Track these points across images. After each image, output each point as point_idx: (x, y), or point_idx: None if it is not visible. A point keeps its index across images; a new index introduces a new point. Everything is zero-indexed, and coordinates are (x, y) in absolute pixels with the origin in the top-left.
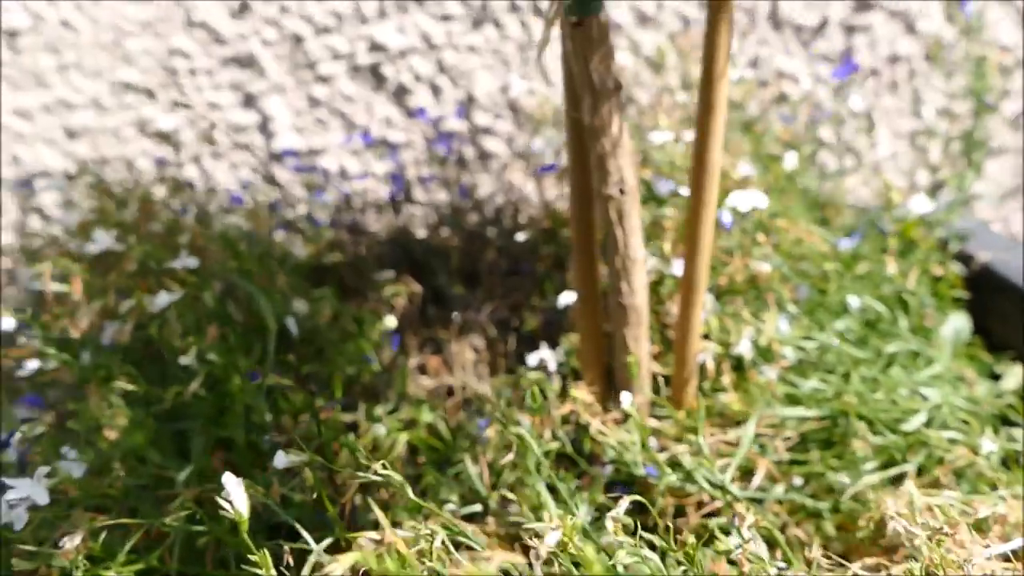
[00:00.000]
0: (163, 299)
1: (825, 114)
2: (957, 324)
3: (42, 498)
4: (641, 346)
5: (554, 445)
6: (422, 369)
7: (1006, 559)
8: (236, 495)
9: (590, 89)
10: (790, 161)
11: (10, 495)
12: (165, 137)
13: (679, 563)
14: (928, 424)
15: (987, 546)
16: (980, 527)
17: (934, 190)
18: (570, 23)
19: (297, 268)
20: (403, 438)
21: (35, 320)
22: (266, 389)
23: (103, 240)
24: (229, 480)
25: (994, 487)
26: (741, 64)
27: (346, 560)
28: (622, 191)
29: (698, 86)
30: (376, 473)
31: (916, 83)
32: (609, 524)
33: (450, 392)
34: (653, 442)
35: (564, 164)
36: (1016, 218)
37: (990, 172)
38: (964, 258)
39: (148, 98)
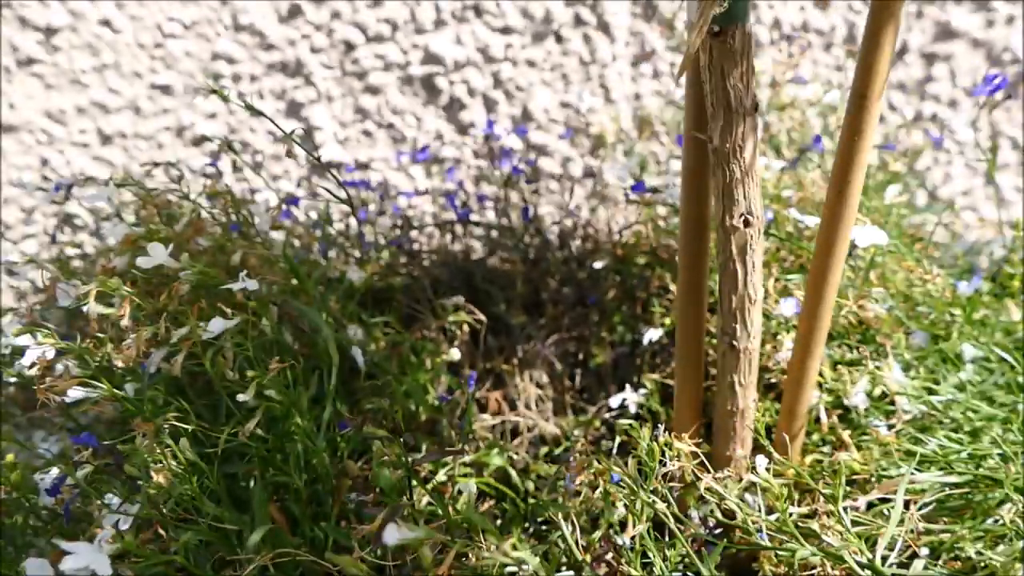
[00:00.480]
0: (217, 325)
1: (937, 141)
2: None
3: (104, 569)
4: (748, 394)
5: (661, 505)
6: (481, 405)
7: None
8: None
9: (725, 108)
10: (890, 194)
11: (68, 564)
12: (210, 142)
13: None
14: None
15: None
16: None
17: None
18: (709, 32)
19: (349, 291)
20: (472, 484)
21: (76, 347)
22: (325, 427)
23: (159, 255)
24: None
25: None
26: (813, 85)
27: None
28: (747, 222)
29: (846, 109)
30: (506, 554)
31: (995, 117)
32: None
33: (514, 432)
34: (751, 499)
35: (648, 187)
36: None
37: None
38: None
39: (186, 103)
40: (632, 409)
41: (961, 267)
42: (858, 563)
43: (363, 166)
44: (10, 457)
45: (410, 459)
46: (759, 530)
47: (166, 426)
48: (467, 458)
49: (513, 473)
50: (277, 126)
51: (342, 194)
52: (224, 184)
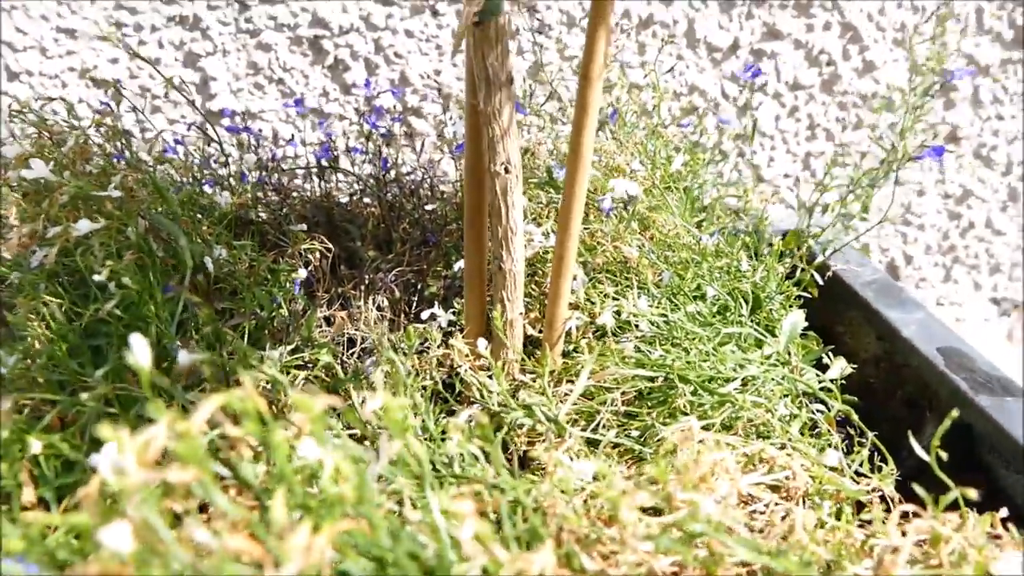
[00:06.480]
0: (85, 225)
1: (725, 123)
2: (794, 319)
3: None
4: (515, 307)
5: (428, 383)
6: (328, 321)
7: (773, 488)
8: (138, 347)
9: (485, 81)
10: (676, 163)
11: None
12: (105, 84)
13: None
14: (744, 390)
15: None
16: (751, 463)
17: (824, 209)
18: (473, 23)
19: (222, 218)
20: (301, 375)
21: None
22: (178, 321)
23: (40, 169)
24: (135, 338)
25: (782, 446)
26: (658, 72)
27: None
28: (507, 169)
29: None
30: (263, 372)
31: (812, 109)
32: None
33: (351, 343)
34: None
35: None
36: (892, 243)
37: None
38: (825, 267)
39: (92, 47)
40: (444, 323)
41: (722, 227)
42: (547, 417)
43: (253, 116)
44: None
45: (226, 324)
46: (491, 401)
47: (43, 304)
48: (305, 356)
49: (338, 368)
50: (159, 73)
51: (231, 139)
52: (111, 119)
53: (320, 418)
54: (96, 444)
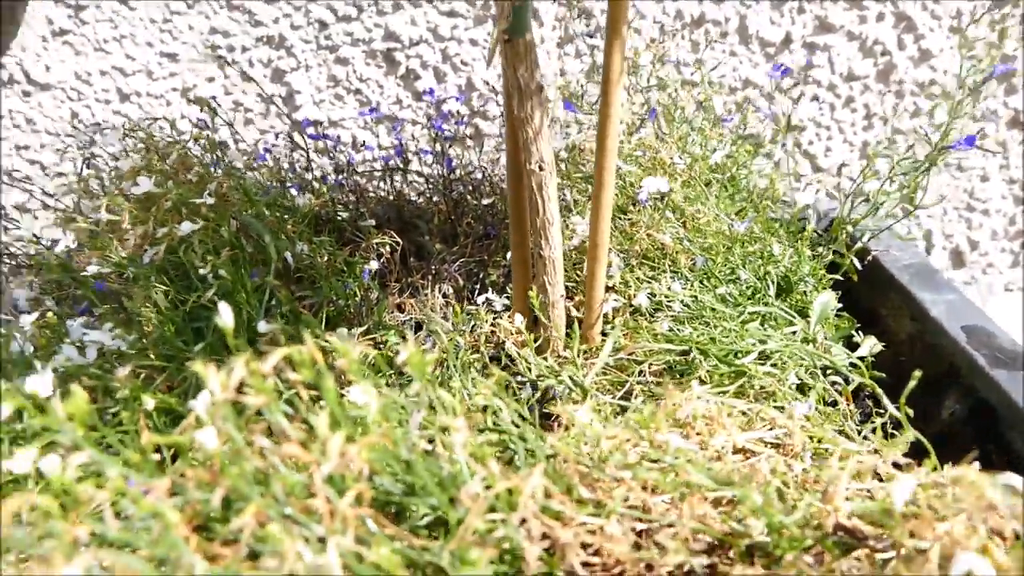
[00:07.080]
0: (187, 227)
1: (768, 116)
2: (825, 299)
3: (107, 341)
4: (556, 290)
5: (477, 356)
6: (400, 308)
7: (775, 445)
8: (225, 311)
9: (518, 89)
10: (716, 157)
11: (86, 338)
12: (203, 102)
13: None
14: (761, 362)
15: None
16: (751, 423)
17: (867, 197)
18: (504, 40)
19: (304, 217)
20: (373, 353)
21: (95, 240)
22: (265, 309)
23: (145, 184)
24: (222, 305)
25: (790, 412)
26: (706, 69)
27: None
28: (541, 167)
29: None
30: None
31: (868, 99)
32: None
33: (418, 326)
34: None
35: None
36: (956, 228)
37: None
38: (866, 252)
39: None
40: (499, 307)
41: (792, 220)
42: (573, 381)
43: (335, 124)
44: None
45: (303, 304)
46: (530, 370)
47: (153, 292)
48: (376, 337)
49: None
50: (260, 87)
51: (314, 146)
52: (207, 133)
53: (358, 360)
54: None
